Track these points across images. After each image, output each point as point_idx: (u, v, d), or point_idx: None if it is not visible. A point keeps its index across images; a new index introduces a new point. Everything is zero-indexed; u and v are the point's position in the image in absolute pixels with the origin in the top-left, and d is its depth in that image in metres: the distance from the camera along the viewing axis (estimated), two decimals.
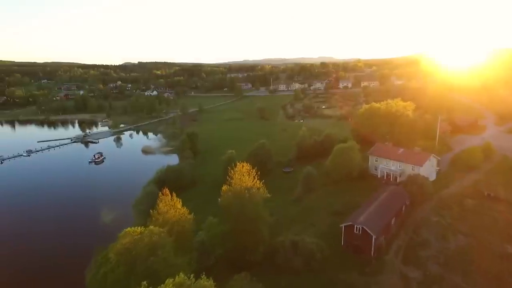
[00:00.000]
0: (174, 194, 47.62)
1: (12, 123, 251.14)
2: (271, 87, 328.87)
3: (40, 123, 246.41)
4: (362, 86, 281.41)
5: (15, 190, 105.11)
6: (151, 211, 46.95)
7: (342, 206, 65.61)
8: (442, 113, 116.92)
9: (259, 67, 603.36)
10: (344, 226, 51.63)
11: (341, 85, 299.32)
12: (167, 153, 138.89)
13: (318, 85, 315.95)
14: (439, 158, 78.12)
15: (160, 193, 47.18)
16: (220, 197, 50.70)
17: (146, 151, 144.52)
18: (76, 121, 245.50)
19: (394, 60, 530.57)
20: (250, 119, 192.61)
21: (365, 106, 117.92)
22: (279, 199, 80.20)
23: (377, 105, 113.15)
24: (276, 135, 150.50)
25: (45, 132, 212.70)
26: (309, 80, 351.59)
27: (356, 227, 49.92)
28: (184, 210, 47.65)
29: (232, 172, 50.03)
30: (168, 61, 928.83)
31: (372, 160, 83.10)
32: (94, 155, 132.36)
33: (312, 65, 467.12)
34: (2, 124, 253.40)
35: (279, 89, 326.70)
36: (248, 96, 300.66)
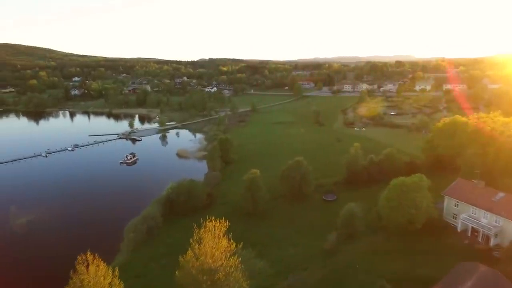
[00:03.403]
0: (103, 265, 30.24)
1: (83, 114, 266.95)
2: (335, 87, 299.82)
3: (106, 116, 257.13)
4: (444, 89, 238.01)
5: (32, 186, 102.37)
6: (70, 280, 30.54)
7: (393, 282, 42.42)
8: None
9: (327, 65, 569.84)
10: None
11: (417, 88, 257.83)
12: (201, 158, 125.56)
13: (390, 86, 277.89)
14: None
15: (79, 257, 30.30)
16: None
17: (180, 154, 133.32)
18: (137, 116, 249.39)
19: (487, 59, 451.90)
20: (302, 124, 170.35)
21: (445, 119, 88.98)
22: (306, 243, 59.48)
23: (463, 118, 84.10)
24: (327, 146, 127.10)
25: (104, 125, 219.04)
26: (380, 81, 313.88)
27: None
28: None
29: (200, 233, 31.09)
30: (239, 57, 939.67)
31: (449, 203, 56.92)
32: (126, 156, 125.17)
33: (385, 64, 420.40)
34: (75, 115, 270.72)
35: (344, 89, 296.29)
36: (308, 96, 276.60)
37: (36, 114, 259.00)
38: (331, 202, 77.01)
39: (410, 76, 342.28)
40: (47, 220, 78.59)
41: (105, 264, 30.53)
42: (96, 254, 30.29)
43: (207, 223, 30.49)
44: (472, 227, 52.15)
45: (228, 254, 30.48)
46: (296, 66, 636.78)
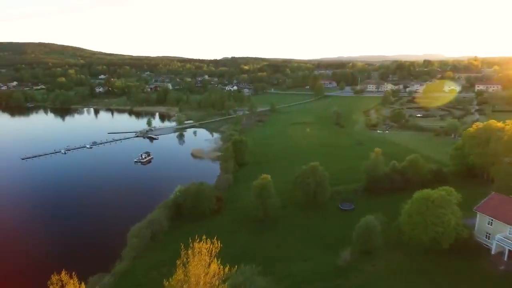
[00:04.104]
0: (80, 286, 26.98)
1: (106, 111, 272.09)
2: (358, 87, 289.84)
3: (127, 113, 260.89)
4: (476, 90, 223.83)
5: (43, 185, 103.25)
6: None
7: None
8: None
9: (350, 64, 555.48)
10: None
11: (446, 88, 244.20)
12: (216, 159, 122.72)
13: (417, 86, 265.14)
14: None
15: (53, 276, 27.23)
16: None
17: (195, 155, 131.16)
18: (157, 114, 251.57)
19: None
20: (321, 125, 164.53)
21: (477, 124, 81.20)
22: (317, 258, 54.81)
23: (498, 123, 76.30)
24: (346, 150, 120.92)
25: (124, 122, 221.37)
26: (406, 81, 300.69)
27: None
28: None
29: (187, 254, 27.30)
30: (262, 56, 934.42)
31: (482, 220, 50.46)
32: (141, 155, 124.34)
33: (412, 63, 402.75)
34: (99, 112, 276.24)
35: (367, 89, 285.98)
36: (329, 96, 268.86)
37: (62, 110, 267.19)
38: (348, 211, 71.69)
39: (439, 76, 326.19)
40: (51, 220, 78.18)
41: (83, 284, 27.36)
42: (73, 273, 27.20)
43: (195, 244, 26.70)
44: (510, 250, 45.67)
45: (217, 282, 26.64)
46: (318, 65, 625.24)
